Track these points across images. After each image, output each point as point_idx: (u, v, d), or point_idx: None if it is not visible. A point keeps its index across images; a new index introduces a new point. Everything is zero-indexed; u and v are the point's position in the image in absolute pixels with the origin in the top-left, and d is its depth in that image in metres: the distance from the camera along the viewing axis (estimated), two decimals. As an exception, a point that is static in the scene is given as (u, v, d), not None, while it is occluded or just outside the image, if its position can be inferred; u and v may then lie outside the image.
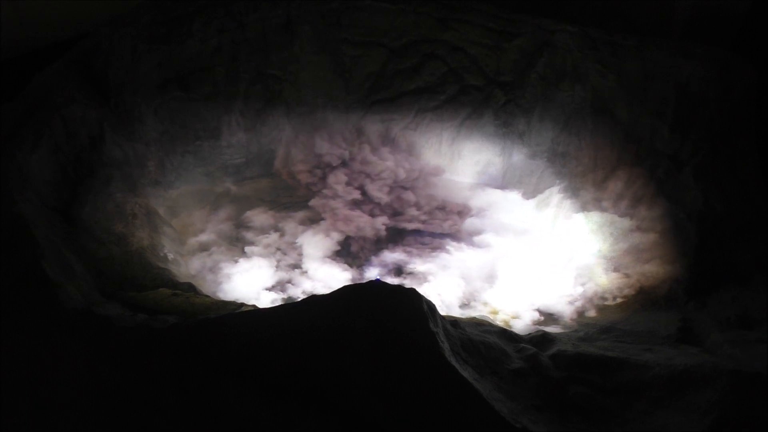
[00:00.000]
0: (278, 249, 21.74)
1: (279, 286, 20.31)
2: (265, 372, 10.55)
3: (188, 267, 19.90)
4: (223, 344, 10.84)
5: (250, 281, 19.96)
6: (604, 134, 21.35)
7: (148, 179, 20.81)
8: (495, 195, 24.18)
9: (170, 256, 18.88)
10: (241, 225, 22.69)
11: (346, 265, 21.27)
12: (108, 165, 19.22)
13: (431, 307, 12.02)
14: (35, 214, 14.90)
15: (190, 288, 16.67)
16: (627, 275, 18.74)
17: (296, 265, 21.20)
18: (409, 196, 24.34)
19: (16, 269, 12.44)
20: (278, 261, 21.28)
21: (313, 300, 12.09)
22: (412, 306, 11.53)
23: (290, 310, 11.87)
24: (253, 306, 15.70)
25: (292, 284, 20.43)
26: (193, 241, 21.42)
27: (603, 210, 20.79)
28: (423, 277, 20.74)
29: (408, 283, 20.24)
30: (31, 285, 12.02)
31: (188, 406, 9.69)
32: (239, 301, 16.47)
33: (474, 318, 16.38)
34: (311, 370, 10.46)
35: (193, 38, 21.96)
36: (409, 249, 22.22)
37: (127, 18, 21.11)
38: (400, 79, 24.66)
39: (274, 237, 22.14)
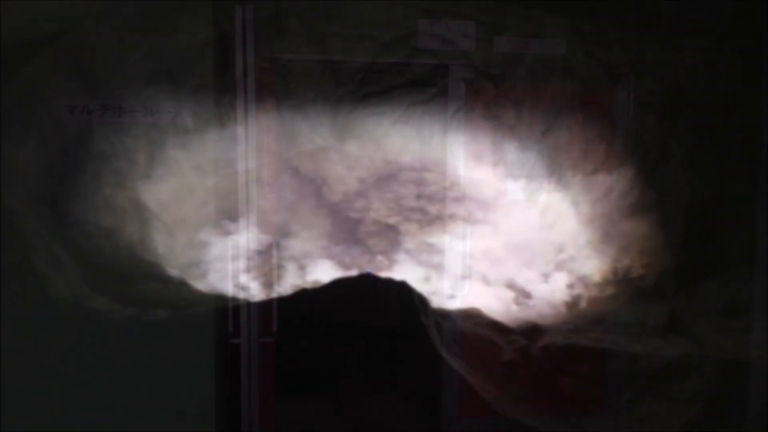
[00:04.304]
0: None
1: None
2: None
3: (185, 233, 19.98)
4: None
5: (240, 247, 20.16)
6: (593, 126, 21.59)
7: (138, 173, 20.68)
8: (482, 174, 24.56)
9: (160, 250, 18.90)
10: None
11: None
12: (96, 158, 19.12)
13: (422, 299, 12.10)
14: (23, 208, 14.88)
15: (181, 282, 16.70)
16: (616, 266, 19.03)
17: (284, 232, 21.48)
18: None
19: (5, 264, 12.43)
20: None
21: (305, 295, 12.13)
22: (404, 299, 11.63)
23: (282, 305, 11.97)
24: (244, 300, 15.75)
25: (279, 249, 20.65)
26: (192, 215, 21.49)
27: (592, 202, 21.03)
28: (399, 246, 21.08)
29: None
30: (20, 280, 12.03)
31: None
32: (230, 295, 16.52)
33: (465, 310, 16.53)
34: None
35: (181, 31, 21.99)
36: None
37: (114, 9, 21.03)
38: (390, 73, 24.74)
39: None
